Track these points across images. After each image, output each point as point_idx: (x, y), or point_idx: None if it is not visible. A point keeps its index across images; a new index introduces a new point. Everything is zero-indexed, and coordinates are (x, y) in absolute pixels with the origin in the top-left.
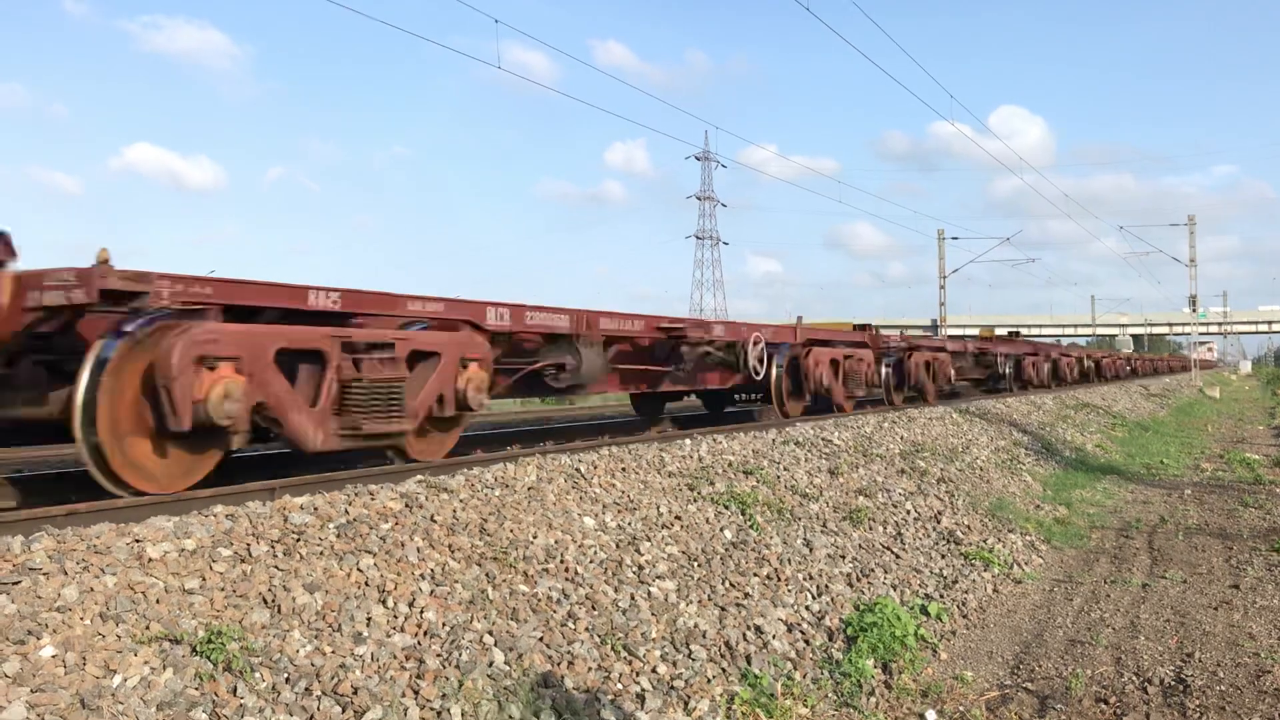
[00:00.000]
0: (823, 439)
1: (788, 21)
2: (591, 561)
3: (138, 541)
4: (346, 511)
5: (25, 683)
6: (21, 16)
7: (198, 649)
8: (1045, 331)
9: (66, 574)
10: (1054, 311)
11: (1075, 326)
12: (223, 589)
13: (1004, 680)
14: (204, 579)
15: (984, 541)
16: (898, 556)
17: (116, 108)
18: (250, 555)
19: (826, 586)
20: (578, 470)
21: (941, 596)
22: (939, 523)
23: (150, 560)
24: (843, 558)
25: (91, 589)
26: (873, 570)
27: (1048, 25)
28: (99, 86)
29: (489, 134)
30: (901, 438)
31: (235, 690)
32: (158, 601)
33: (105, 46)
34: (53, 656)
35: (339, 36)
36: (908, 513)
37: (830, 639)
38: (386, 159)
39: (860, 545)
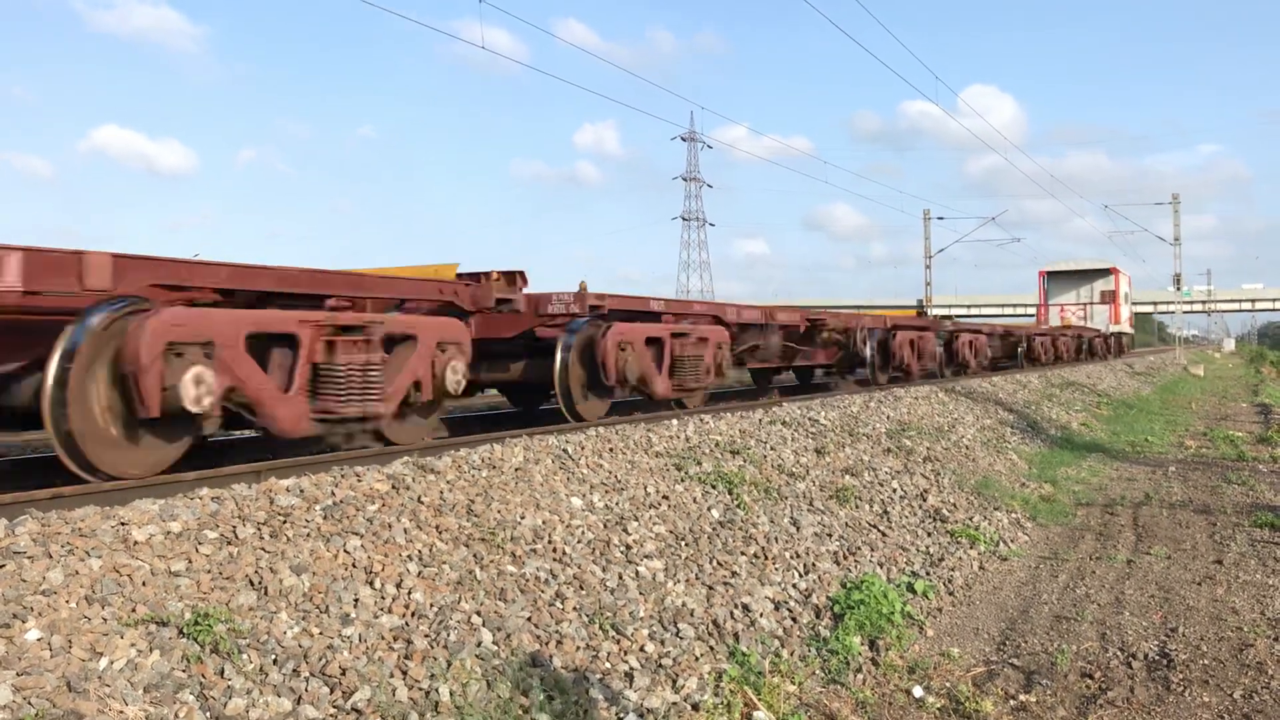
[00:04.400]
0: (809, 419)
1: None
2: (579, 542)
3: (123, 524)
4: (333, 493)
5: (11, 666)
6: None
7: (185, 631)
8: (1030, 311)
9: (51, 557)
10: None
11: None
12: (209, 571)
13: (990, 656)
14: (190, 561)
15: (970, 519)
16: (884, 535)
17: (79, 90)
18: (237, 537)
19: (813, 565)
20: (565, 451)
21: (928, 574)
22: (925, 501)
23: (136, 543)
24: (829, 536)
25: (77, 572)
26: (859, 548)
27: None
28: (58, 69)
29: (460, 113)
30: (888, 417)
31: (223, 672)
32: (144, 584)
33: (57, 27)
34: (38, 640)
35: (300, 14)
36: (894, 491)
37: (817, 617)
38: (356, 140)
39: (847, 524)
